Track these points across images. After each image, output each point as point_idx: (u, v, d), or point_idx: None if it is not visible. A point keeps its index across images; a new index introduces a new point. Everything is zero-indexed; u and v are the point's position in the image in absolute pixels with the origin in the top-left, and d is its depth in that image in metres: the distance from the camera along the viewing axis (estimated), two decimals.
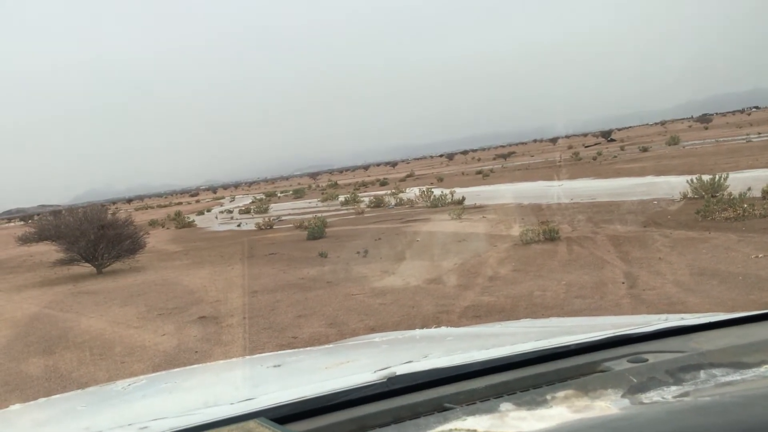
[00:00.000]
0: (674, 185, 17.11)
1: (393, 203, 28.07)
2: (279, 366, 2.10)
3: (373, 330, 6.87)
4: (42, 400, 2.26)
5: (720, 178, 15.01)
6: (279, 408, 1.16)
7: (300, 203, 43.40)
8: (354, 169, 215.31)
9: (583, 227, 12.93)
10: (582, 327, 2.09)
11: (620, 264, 8.94)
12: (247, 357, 5.07)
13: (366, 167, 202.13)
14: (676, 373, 1.15)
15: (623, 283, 7.83)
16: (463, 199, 23.32)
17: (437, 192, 26.20)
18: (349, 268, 11.43)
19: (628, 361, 1.31)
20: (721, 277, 7.49)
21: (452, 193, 25.01)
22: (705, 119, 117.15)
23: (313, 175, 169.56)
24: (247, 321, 8.38)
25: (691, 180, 15.51)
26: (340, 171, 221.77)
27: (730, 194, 13.30)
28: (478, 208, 20.24)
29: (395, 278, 9.94)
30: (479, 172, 48.58)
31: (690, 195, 15.18)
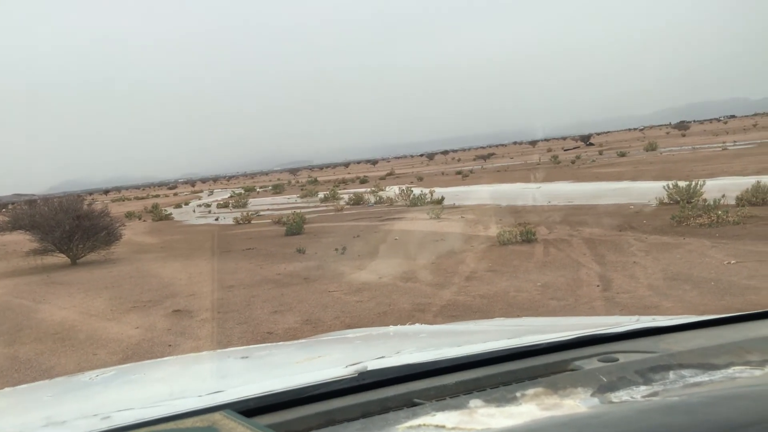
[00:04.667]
0: (651, 190, 17.30)
1: (373, 201, 28.04)
2: (249, 360, 2.08)
3: (348, 327, 6.85)
4: (7, 389, 2.22)
5: (695, 184, 15.22)
6: (246, 401, 1.14)
7: (279, 199, 43.19)
8: (334, 166, 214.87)
9: (560, 229, 13.03)
10: (554, 327, 2.10)
11: (595, 267, 9.01)
12: (217, 350, 5.02)
13: (346, 164, 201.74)
14: (646, 373, 1.16)
15: (598, 285, 7.90)
16: (442, 198, 23.37)
17: (417, 191, 26.22)
18: (327, 265, 11.39)
19: (599, 360, 1.31)
20: (694, 282, 7.58)
21: (431, 193, 25.06)
22: (683, 126, 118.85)
23: (293, 171, 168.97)
24: (222, 315, 8.31)
25: (668, 186, 15.71)
26: (321, 168, 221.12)
27: (704, 200, 13.49)
28: (457, 208, 20.31)
29: (372, 276, 9.93)
30: (459, 173, 48.72)
31: (666, 200, 15.37)
